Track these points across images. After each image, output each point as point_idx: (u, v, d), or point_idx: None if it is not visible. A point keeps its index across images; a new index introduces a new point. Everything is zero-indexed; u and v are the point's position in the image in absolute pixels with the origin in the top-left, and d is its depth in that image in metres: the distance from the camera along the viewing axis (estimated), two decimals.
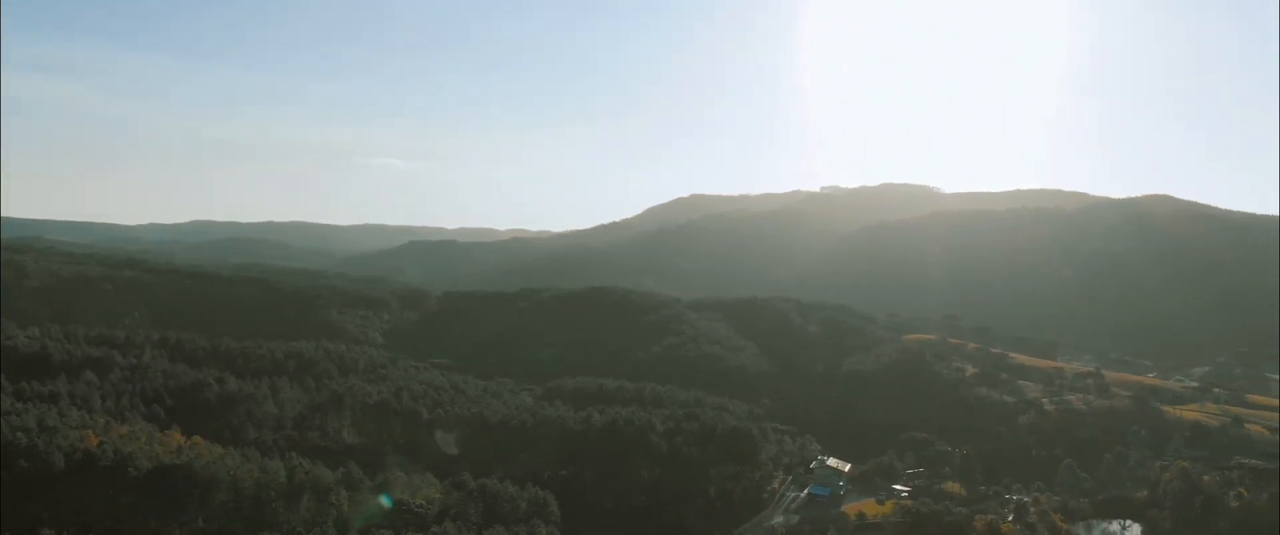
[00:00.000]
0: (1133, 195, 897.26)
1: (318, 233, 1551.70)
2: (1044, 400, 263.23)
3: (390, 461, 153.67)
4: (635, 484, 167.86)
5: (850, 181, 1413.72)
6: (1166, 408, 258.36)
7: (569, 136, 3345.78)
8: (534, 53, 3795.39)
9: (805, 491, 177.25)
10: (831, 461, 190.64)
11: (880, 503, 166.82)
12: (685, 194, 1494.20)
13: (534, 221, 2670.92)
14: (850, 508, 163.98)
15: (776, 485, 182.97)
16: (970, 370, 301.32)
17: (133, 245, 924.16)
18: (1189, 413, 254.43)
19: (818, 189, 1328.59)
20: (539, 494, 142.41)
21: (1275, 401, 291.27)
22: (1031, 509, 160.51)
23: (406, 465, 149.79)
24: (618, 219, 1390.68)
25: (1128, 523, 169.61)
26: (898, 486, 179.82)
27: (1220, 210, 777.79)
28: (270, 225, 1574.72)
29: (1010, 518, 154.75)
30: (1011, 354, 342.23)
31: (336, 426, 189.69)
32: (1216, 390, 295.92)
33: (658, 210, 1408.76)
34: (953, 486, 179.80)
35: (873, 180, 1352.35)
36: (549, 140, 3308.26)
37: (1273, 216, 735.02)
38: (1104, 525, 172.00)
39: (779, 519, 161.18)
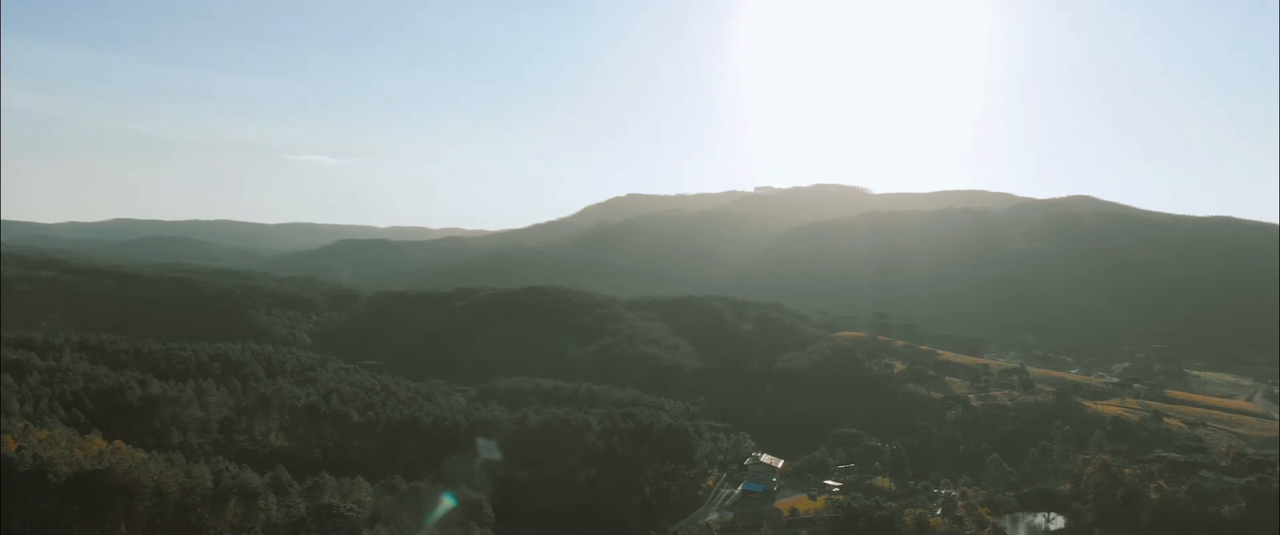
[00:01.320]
0: (1056, 196, 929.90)
1: (243, 231, 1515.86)
2: (970, 396, 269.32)
3: (319, 465, 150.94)
4: (571, 484, 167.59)
5: (783, 182, 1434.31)
6: (1089, 403, 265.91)
7: (503, 134, 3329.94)
8: (465, 49, 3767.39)
9: (739, 488, 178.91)
10: (765, 458, 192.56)
11: (812, 498, 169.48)
12: (622, 193, 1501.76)
13: (468, 220, 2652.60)
14: (783, 503, 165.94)
15: (711, 482, 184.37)
16: (899, 367, 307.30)
17: (50, 244, 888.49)
18: (1110, 408, 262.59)
19: (752, 189, 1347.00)
20: (473, 496, 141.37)
21: (1193, 396, 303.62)
22: (959, 503, 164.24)
23: (336, 468, 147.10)
24: (554, 218, 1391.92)
25: (1052, 515, 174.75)
26: (829, 482, 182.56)
27: (1140, 210, 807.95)
28: (194, 224, 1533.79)
29: (938, 511, 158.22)
30: (939, 351, 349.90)
31: (264, 430, 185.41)
32: (1136, 386, 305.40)
33: (594, 209, 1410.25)
34: (883, 481, 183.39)
35: (805, 181, 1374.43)
36: (483, 138, 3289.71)
37: (1191, 216, 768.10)
38: (1029, 518, 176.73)
39: (713, 516, 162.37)
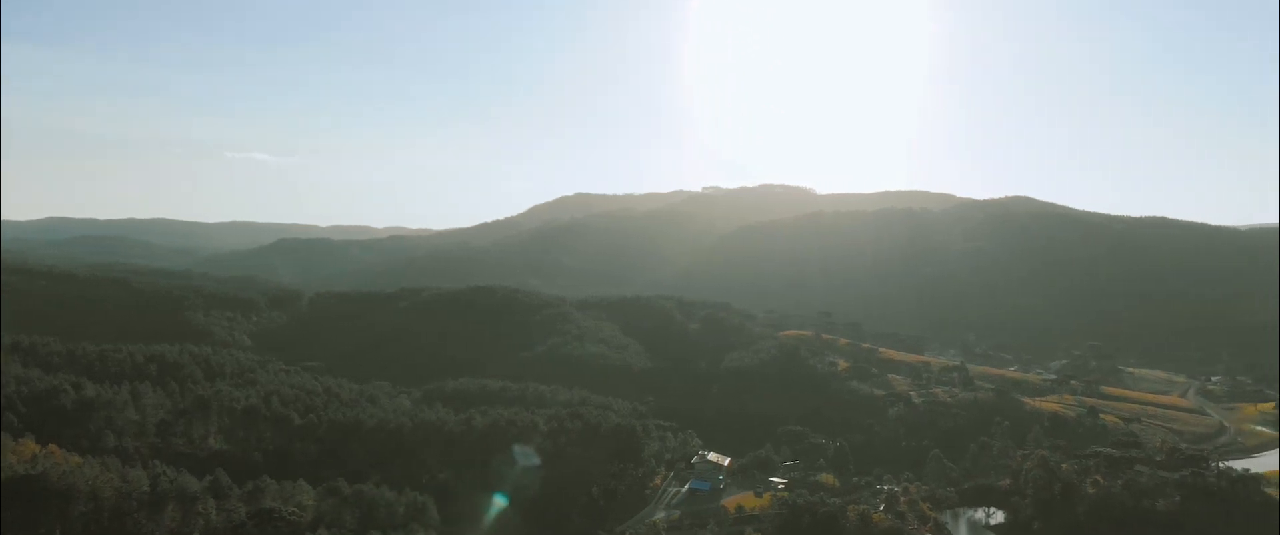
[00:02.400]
0: (995, 196, 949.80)
1: (182, 230, 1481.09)
2: (912, 393, 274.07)
3: (260, 468, 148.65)
4: (518, 485, 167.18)
5: (730, 182, 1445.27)
6: (1027, 399, 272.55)
7: (449, 133, 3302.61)
8: (410, 46, 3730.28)
9: (686, 486, 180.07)
10: (712, 456, 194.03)
11: (758, 495, 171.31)
12: (570, 193, 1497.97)
13: (413, 220, 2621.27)
14: (729, 501, 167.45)
15: (658, 481, 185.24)
16: (843, 365, 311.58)
17: None
18: (1048, 404, 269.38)
19: (699, 189, 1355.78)
20: (417, 498, 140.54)
21: (1128, 392, 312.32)
22: (901, 498, 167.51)
23: (277, 472, 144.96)
24: (501, 217, 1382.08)
25: (991, 510, 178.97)
26: (775, 479, 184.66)
27: (1076, 211, 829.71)
28: (131, 222, 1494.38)
29: (881, 507, 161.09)
30: (881, 349, 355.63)
31: (202, 433, 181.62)
32: (1073, 382, 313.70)
33: (542, 209, 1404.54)
34: (827, 478, 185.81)
35: (752, 181, 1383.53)
36: (428, 136, 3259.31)
37: (1126, 216, 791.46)
38: (969, 513, 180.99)
39: (661, 514, 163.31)
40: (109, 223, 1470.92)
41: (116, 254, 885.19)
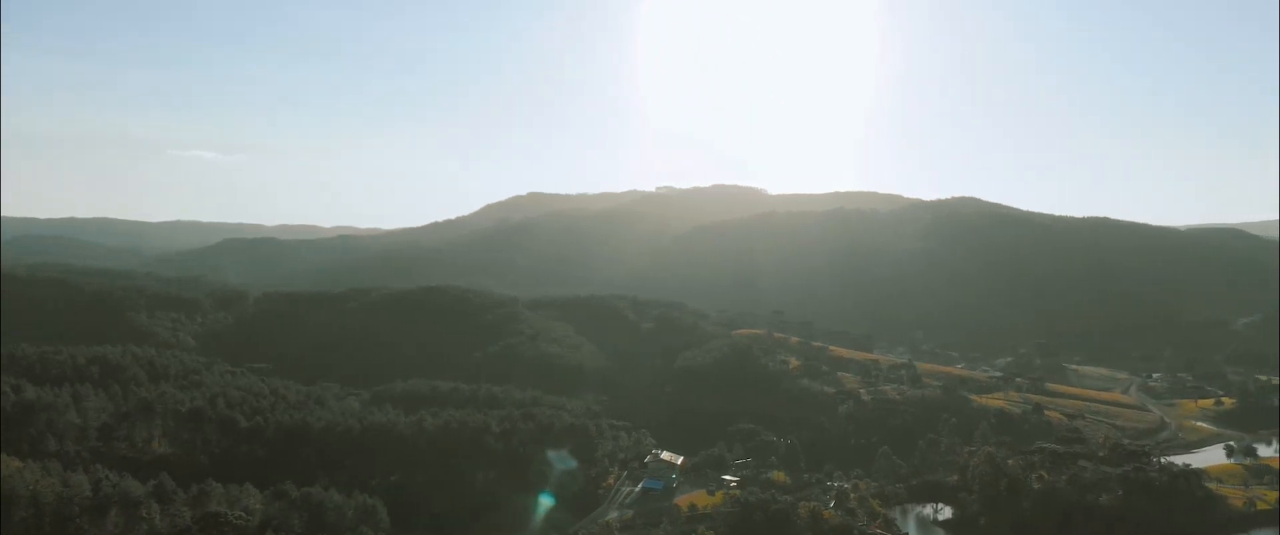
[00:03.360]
0: (943, 197, 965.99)
1: (125, 230, 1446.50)
2: (862, 391, 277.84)
3: (206, 472, 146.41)
4: (470, 486, 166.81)
5: (684, 182, 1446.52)
6: (974, 396, 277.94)
7: (399, 131, 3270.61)
8: (359, 42, 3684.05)
9: (639, 486, 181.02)
10: (665, 455, 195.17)
11: (711, 494, 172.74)
12: (523, 192, 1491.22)
13: (362, 219, 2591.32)
14: (682, 500, 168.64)
15: (611, 481, 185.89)
16: (794, 363, 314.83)
17: None
18: (994, 401, 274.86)
19: (653, 189, 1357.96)
20: (367, 501, 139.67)
21: (1072, 389, 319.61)
22: (851, 495, 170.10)
23: (223, 476, 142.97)
24: (453, 216, 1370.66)
25: (939, 505, 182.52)
26: (727, 477, 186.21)
27: (1021, 211, 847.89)
28: (71, 221, 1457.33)
29: (831, 504, 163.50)
30: (832, 347, 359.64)
31: (146, 436, 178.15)
32: (1018, 380, 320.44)
33: (495, 208, 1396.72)
34: (779, 475, 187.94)
35: (705, 181, 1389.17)
36: (377, 135, 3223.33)
37: (1069, 216, 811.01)
38: (918, 508, 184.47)
39: (614, 514, 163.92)
40: (49, 222, 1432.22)
41: (57, 254, 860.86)
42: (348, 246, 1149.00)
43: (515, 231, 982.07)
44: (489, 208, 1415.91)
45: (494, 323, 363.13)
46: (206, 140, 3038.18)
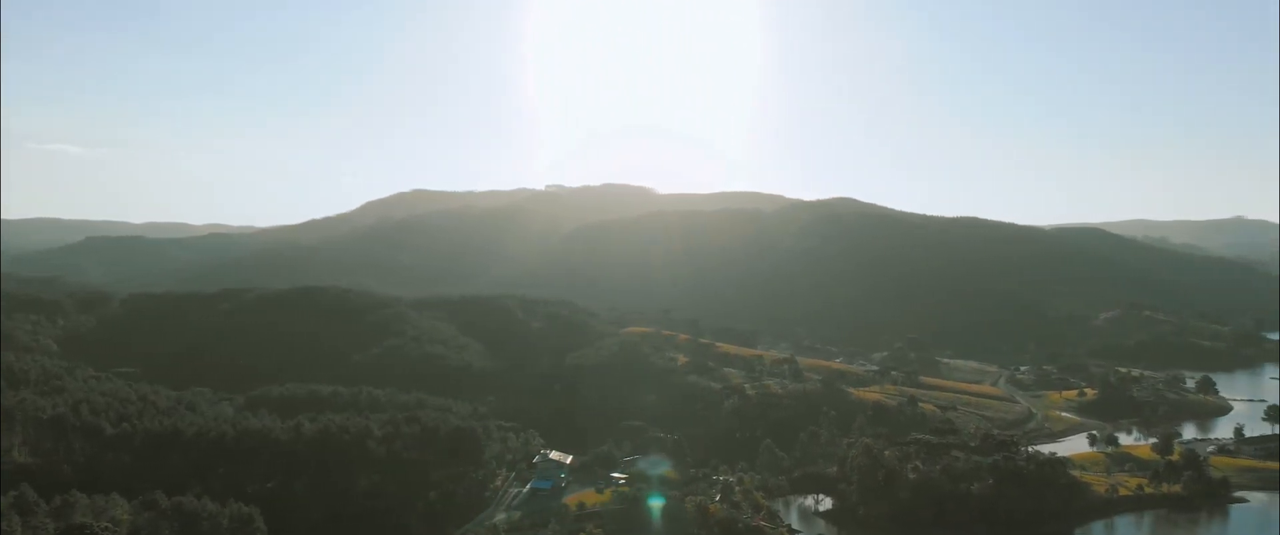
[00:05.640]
0: (822, 198, 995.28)
1: None
2: (746, 385, 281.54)
3: (70, 482, 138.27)
4: (350, 492, 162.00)
5: (573, 181, 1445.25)
6: (852, 390, 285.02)
7: (274, 126, 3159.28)
8: (231, 33, 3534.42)
9: (528, 486, 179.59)
10: (554, 455, 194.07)
11: (599, 492, 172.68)
12: (406, 189, 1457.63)
13: (235, 216, 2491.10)
14: (571, 499, 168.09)
15: (500, 482, 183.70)
16: (682, 359, 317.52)
17: None
18: (871, 394, 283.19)
19: (542, 187, 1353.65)
20: (242, 509, 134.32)
21: (944, 382, 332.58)
22: (736, 488, 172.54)
23: (89, 485, 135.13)
24: (332, 214, 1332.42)
25: (820, 496, 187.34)
26: (616, 474, 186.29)
27: (895, 211, 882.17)
28: None
29: (717, 498, 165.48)
30: (718, 344, 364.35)
31: (6, 445, 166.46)
32: (894, 373, 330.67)
33: (377, 205, 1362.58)
34: (667, 471, 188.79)
35: (595, 180, 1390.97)
36: (251, 130, 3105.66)
37: (941, 216, 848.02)
38: (800, 500, 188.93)
39: (501, 516, 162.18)
40: None
41: None
42: (220, 245, 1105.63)
43: (399, 229, 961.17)
44: (370, 205, 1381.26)
45: (376, 324, 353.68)
46: (68, 133, 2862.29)
